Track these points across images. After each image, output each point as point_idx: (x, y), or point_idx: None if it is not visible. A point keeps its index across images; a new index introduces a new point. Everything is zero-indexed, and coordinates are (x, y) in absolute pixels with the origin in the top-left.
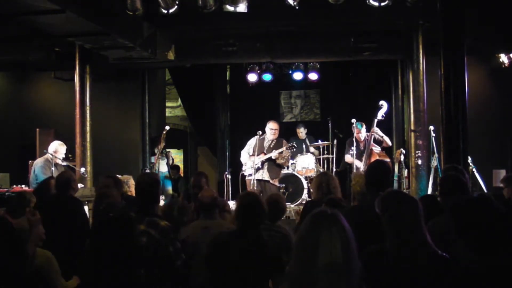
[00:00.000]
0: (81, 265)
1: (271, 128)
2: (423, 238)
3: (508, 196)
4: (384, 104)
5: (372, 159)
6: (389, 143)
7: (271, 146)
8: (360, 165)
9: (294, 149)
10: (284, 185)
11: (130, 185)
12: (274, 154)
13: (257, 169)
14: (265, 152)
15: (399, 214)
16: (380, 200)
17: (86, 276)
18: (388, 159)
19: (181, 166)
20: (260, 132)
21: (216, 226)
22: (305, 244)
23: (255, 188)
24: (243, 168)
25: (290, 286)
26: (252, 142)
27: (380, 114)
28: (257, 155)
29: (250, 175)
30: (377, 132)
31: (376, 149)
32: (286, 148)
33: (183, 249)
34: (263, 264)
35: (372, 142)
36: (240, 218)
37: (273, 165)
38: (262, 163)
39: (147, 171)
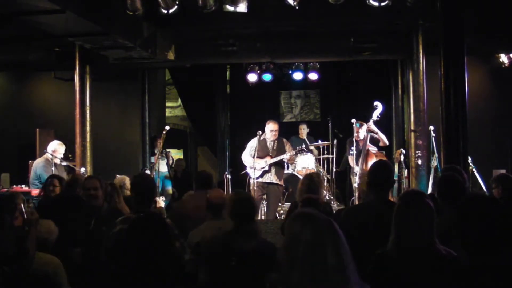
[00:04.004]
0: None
1: (271, 130)
2: (427, 241)
3: (498, 196)
4: (379, 105)
5: (369, 160)
6: (386, 141)
7: (275, 147)
8: (356, 168)
9: (305, 152)
10: (284, 185)
11: (128, 186)
12: (286, 157)
13: (264, 172)
14: (270, 154)
15: (404, 217)
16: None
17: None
18: (385, 159)
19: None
20: (260, 132)
21: (228, 226)
22: (308, 249)
23: (260, 191)
24: (249, 171)
25: None
26: (253, 144)
27: (375, 115)
28: (262, 157)
29: (258, 178)
30: (371, 126)
31: (373, 149)
32: (296, 152)
33: (198, 252)
34: (259, 261)
35: (368, 142)
36: (234, 216)
37: (279, 167)
38: (270, 166)
39: (147, 171)
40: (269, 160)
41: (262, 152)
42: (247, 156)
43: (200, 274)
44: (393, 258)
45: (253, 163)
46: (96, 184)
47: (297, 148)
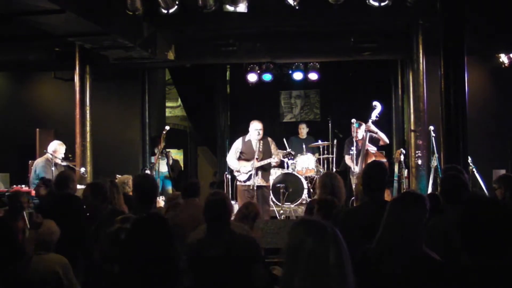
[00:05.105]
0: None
1: (256, 129)
2: (409, 242)
3: (501, 197)
4: (377, 105)
5: (369, 160)
6: (386, 140)
7: (260, 149)
8: (356, 168)
9: (292, 158)
10: (284, 185)
11: (131, 185)
12: (274, 161)
13: (251, 176)
14: (257, 157)
15: (391, 216)
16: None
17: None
18: (384, 159)
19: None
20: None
21: None
22: (310, 257)
23: (247, 194)
24: (236, 174)
25: None
26: (237, 145)
27: (374, 115)
28: (248, 159)
29: (245, 181)
30: (370, 126)
31: (372, 149)
32: (283, 156)
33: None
34: (239, 259)
35: (367, 142)
36: (207, 218)
37: (265, 170)
38: (256, 169)
39: (147, 171)
40: (256, 164)
41: (247, 155)
42: (232, 159)
43: (184, 280)
44: (374, 255)
45: (239, 167)
46: (86, 193)
47: (285, 152)
